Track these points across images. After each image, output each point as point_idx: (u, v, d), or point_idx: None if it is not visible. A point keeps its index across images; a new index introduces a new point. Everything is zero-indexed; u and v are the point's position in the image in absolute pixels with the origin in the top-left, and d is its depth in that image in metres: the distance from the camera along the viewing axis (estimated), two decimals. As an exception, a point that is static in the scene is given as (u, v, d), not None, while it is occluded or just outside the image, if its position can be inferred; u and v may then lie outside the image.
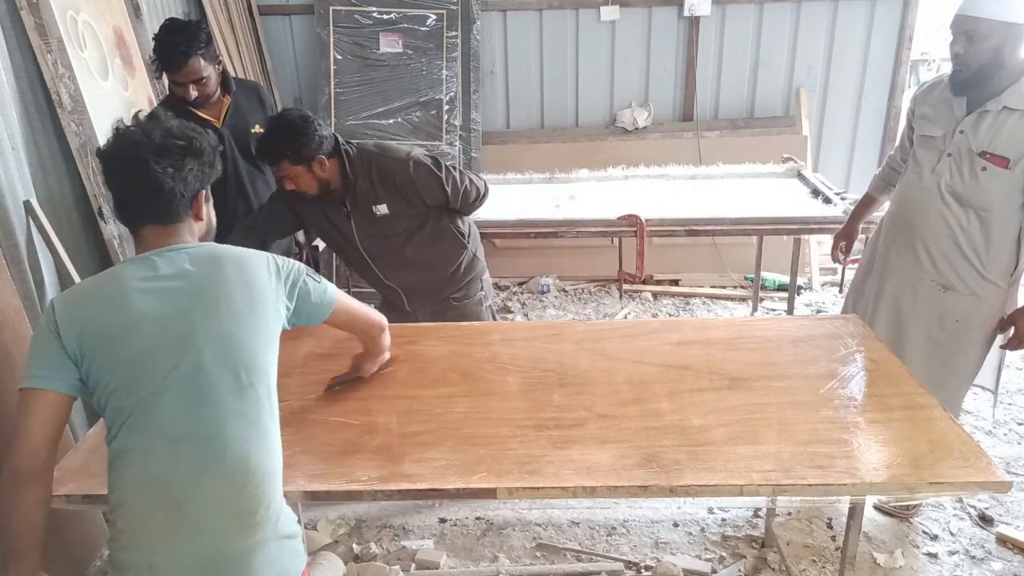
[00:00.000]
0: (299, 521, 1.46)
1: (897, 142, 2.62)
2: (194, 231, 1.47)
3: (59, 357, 1.33)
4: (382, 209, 2.41)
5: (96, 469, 1.68)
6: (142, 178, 1.37)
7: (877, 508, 2.61)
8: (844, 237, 2.83)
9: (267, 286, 1.46)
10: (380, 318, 1.89)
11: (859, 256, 2.87)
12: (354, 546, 2.58)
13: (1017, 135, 2.10)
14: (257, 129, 2.68)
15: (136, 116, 1.45)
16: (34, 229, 2.63)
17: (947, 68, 2.25)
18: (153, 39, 2.52)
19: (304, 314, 1.59)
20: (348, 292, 2.48)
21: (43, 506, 1.36)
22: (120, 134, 1.41)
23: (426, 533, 2.63)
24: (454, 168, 2.48)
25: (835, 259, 2.91)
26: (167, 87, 2.63)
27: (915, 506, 2.58)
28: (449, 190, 2.43)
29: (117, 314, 1.34)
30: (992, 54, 2.07)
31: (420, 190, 2.41)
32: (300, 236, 3.02)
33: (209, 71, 2.49)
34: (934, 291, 2.36)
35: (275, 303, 1.48)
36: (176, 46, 2.40)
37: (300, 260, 3.05)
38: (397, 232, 2.48)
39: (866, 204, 2.78)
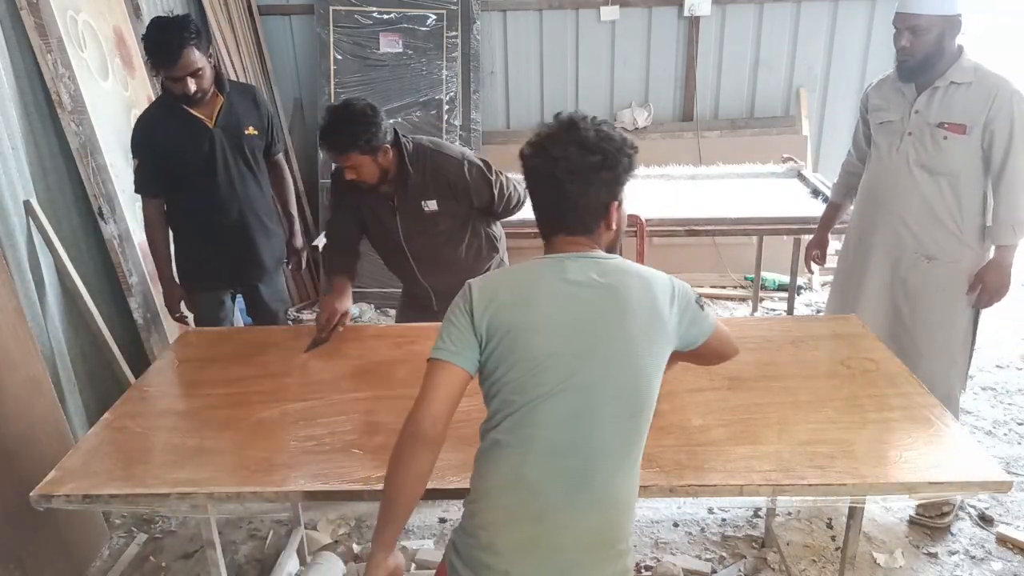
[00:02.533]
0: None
1: (851, 146, 2.76)
2: (601, 240, 1.46)
3: (469, 336, 1.35)
4: (431, 205, 2.41)
5: (96, 469, 1.68)
6: (555, 196, 1.40)
7: (913, 521, 2.57)
8: (817, 246, 2.97)
9: (667, 312, 1.40)
10: (737, 348, 1.66)
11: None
12: (354, 546, 2.58)
13: (967, 104, 2.32)
14: (251, 131, 2.65)
15: (557, 117, 1.40)
16: (34, 229, 2.63)
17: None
18: (142, 39, 2.49)
19: (686, 339, 1.47)
20: (337, 288, 2.43)
21: (430, 473, 1.36)
22: (542, 146, 1.39)
23: (426, 533, 2.63)
24: (501, 172, 2.49)
25: (808, 268, 3.02)
26: (161, 86, 2.59)
27: (947, 513, 2.56)
28: (496, 193, 2.46)
29: (527, 311, 1.35)
30: (934, 44, 2.30)
31: (471, 191, 2.41)
32: (298, 240, 2.99)
33: (203, 62, 2.46)
34: (918, 263, 2.49)
35: (670, 331, 1.41)
36: (169, 40, 2.37)
37: (299, 262, 3.04)
38: (440, 230, 2.48)
39: (832, 211, 2.92)
